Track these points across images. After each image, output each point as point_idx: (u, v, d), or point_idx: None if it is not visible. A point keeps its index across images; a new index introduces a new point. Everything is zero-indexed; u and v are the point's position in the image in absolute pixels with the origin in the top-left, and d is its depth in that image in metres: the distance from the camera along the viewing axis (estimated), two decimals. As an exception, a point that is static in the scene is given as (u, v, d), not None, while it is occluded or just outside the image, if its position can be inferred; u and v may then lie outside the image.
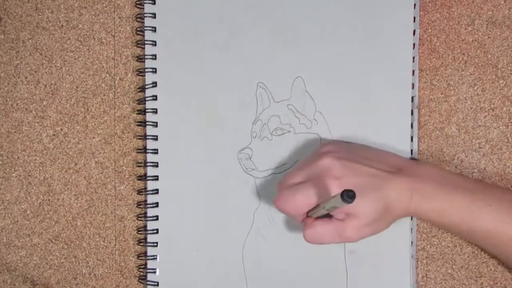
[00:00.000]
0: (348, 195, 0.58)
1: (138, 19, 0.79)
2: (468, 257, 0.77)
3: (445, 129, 0.77)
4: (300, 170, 0.71)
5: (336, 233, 0.68)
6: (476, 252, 0.77)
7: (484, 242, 0.72)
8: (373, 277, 0.77)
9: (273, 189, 0.76)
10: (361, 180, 0.68)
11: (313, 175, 0.69)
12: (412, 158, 0.77)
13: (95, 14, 0.80)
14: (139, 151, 0.79)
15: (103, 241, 0.80)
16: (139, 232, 0.79)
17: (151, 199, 0.78)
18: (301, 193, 0.68)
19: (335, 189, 0.66)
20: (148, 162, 0.78)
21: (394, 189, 0.69)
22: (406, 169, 0.72)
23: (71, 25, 0.80)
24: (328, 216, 0.69)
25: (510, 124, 0.77)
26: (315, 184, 0.67)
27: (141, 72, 0.78)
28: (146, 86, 0.78)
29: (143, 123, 0.78)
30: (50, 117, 0.79)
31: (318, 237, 0.69)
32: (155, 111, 0.78)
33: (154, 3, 0.78)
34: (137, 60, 0.79)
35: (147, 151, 0.78)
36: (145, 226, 0.78)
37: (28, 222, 0.80)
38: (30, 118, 0.79)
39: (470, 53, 0.77)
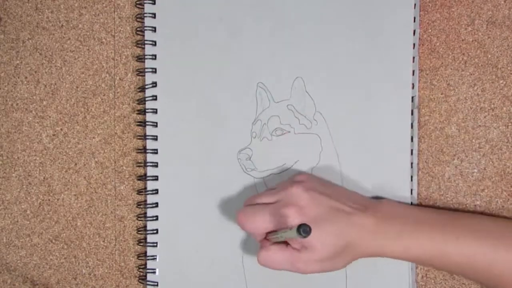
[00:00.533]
0: (304, 230, 0.58)
1: (138, 19, 0.79)
2: (468, 257, 0.77)
3: (445, 129, 0.77)
4: (269, 192, 0.71)
5: (289, 262, 0.68)
6: (476, 252, 0.77)
7: (458, 273, 0.73)
8: (373, 277, 0.77)
9: (272, 189, 0.76)
10: (323, 213, 0.68)
11: (279, 200, 0.69)
12: (376, 197, 0.77)
13: (95, 14, 0.80)
14: (139, 151, 0.79)
15: (103, 241, 0.80)
16: (139, 232, 0.79)
17: (150, 199, 0.78)
18: (262, 215, 0.68)
19: (294, 217, 0.66)
20: (148, 162, 0.78)
21: (357, 227, 0.68)
22: (371, 206, 0.72)
23: (71, 25, 0.80)
24: (286, 242, 0.69)
25: (510, 124, 0.77)
26: (277, 209, 0.68)
27: (141, 72, 0.78)
28: (146, 86, 0.78)
29: (143, 123, 0.78)
30: (50, 117, 0.79)
31: (270, 261, 0.69)
32: (155, 111, 0.78)
33: (154, 3, 0.78)
34: (137, 60, 0.79)
35: (147, 151, 0.78)
36: (145, 226, 0.78)
37: (28, 222, 0.80)
38: (30, 118, 0.79)
39: (470, 53, 0.77)
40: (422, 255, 0.69)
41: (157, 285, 0.78)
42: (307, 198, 0.68)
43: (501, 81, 0.77)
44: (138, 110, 0.79)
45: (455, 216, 0.75)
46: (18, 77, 0.79)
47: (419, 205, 0.77)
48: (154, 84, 0.78)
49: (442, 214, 0.75)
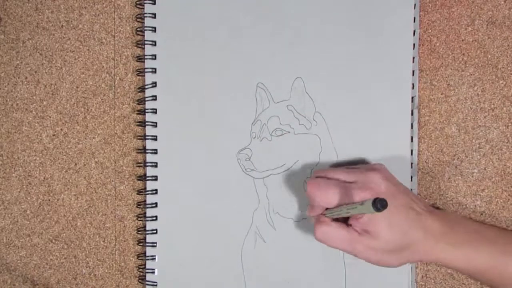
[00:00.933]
0: (381, 203, 0.57)
1: (138, 19, 0.79)
2: (468, 257, 0.77)
3: (445, 129, 0.77)
4: (345, 171, 0.70)
5: (347, 241, 0.68)
6: (476, 252, 0.77)
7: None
8: (373, 277, 0.77)
9: (273, 189, 0.77)
10: (396, 205, 0.67)
11: (355, 181, 0.69)
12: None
13: (95, 14, 0.80)
14: (139, 151, 0.79)
15: (103, 241, 0.80)
16: (139, 232, 0.79)
17: (150, 199, 0.78)
18: (335, 190, 0.68)
19: (368, 197, 0.65)
20: (147, 162, 0.78)
21: (423, 229, 0.68)
22: (436, 211, 0.72)
23: (71, 25, 0.80)
24: (342, 221, 0.69)
25: (510, 124, 0.77)
26: (353, 189, 0.67)
27: (141, 72, 0.78)
28: (146, 86, 0.78)
29: (143, 123, 0.78)
30: (50, 117, 0.79)
31: (329, 237, 0.68)
32: (154, 111, 0.78)
33: (154, 3, 0.78)
34: (137, 60, 0.79)
35: (147, 151, 0.78)
36: (145, 226, 0.78)
37: (28, 222, 0.80)
38: (30, 118, 0.79)
39: (470, 53, 0.77)
40: (481, 266, 0.69)
41: (156, 285, 0.78)
42: (385, 187, 0.68)
43: (501, 81, 0.77)
44: (138, 110, 0.79)
45: (509, 233, 0.75)
46: (18, 77, 0.79)
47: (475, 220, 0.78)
48: (154, 84, 0.78)
49: (503, 230, 0.75)
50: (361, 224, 0.67)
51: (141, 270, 0.79)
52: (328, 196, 0.68)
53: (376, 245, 0.67)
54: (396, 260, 0.69)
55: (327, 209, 0.69)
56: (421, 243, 0.68)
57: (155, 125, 0.77)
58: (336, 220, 0.69)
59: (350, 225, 0.68)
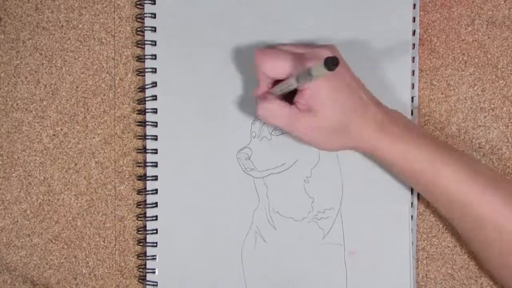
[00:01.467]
0: (332, 61, 0.54)
1: (138, 19, 0.79)
2: (468, 257, 0.77)
3: (445, 129, 0.77)
4: (296, 45, 0.69)
5: (287, 119, 0.67)
6: (476, 252, 0.77)
7: (439, 199, 0.71)
8: (373, 277, 0.77)
9: (273, 188, 0.77)
10: (342, 84, 0.66)
11: (306, 53, 0.67)
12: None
13: (95, 14, 0.80)
14: (139, 151, 0.79)
15: (103, 241, 0.80)
16: (139, 232, 0.79)
17: (150, 199, 0.78)
18: (284, 59, 0.67)
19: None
20: (147, 162, 0.78)
21: (366, 116, 0.67)
22: (383, 106, 0.71)
23: (71, 25, 0.80)
24: (289, 101, 0.68)
25: (510, 124, 0.77)
26: (305, 59, 0.65)
27: (141, 72, 0.78)
28: (146, 86, 0.78)
29: (143, 123, 0.78)
30: (50, 117, 0.79)
31: (270, 114, 0.68)
32: (155, 111, 0.78)
33: (154, 3, 0.78)
34: (137, 60, 0.79)
35: (147, 151, 0.78)
36: (145, 226, 0.78)
37: (28, 222, 0.80)
38: (30, 118, 0.79)
39: (470, 53, 0.77)
40: (417, 166, 0.68)
41: (156, 285, 0.78)
42: (340, 59, 0.67)
43: (501, 81, 0.77)
44: (138, 110, 0.79)
45: (451, 146, 0.75)
46: (18, 77, 0.79)
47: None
48: (154, 84, 0.78)
49: (444, 142, 0.75)
50: (305, 99, 0.66)
51: (141, 270, 0.79)
52: (277, 65, 0.67)
53: (315, 123, 0.66)
54: (334, 143, 0.69)
55: (275, 86, 0.69)
56: (360, 129, 0.67)
57: (155, 125, 0.77)
58: (283, 99, 0.69)
59: (294, 103, 0.67)
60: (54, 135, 0.79)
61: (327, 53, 0.67)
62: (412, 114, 0.77)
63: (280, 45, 0.71)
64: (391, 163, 0.70)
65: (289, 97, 0.69)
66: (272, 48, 0.70)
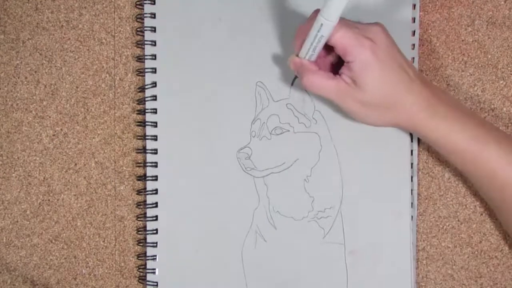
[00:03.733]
0: None
1: (138, 19, 0.79)
2: (468, 257, 0.77)
3: (445, 129, 0.77)
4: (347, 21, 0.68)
5: (335, 90, 0.67)
6: (476, 252, 0.77)
7: (481, 179, 0.70)
8: (373, 277, 0.77)
9: (273, 188, 0.77)
10: (392, 62, 0.66)
11: (357, 27, 0.66)
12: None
13: (95, 14, 0.80)
14: (139, 151, 0.79)
15: (103, 241, 0.80)
16: (139, 233, 0.79)
17: (150, 199, 0.78)
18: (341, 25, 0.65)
19: (366, 50, 0.64)
20: (147, 162, 0.78)
21: (414, 93, 0.67)
22: (429, 82, 0.70)
23: (71, 25, 0.80)
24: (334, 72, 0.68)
25: (510, 124, 0.77)
26: (356, 33, 0.65)
27: (141, 72, 0.78)
28: (146, 86, 0.78)
29: (142, 123, 0.78)
30: (50, 117, 0.79)
31: (317, 85, 0.67)
32: (154, 111, 0.78)
33: (154, 3, 0.78)
34: (137, 60, 0.79)
35: (147, 151, 0.78)
36: (145, 227, 0.78)
37: (28, 222, 0.80)
38: (30, 118, 0.79)
39: (470, 54, 0.77)
40: (461, 145, 0.68)
41: (156, 285, 0.78)
42: (385, 41, 0.66)
43: (501, 82, 0.77)
44: (138, 110, 0.79)
45: (496, 126, 0.74)
46: (18, 77, 0.79)
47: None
48: (154, 84, 0.78)
49: (488, 122, 0.75)
50: (352, 72, 0.65)
51: (141, 270, 0.79)
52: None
53: (362, 97, 0.66)
54: (379, 118, 0.69)
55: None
56: (406, 106, 0.67)
57: (155, 125, 0.77)
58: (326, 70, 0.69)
59: (339, 75, 0.67)
60: (54, 135, 0.79)
61: (378, 31, 0.66)
62: (412, 114, 0.77)
63: None
64: (435, 140, 0.70)
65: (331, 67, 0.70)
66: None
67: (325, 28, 0.63)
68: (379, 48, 0.65)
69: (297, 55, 0.69)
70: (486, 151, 0.67)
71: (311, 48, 0.66)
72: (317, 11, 0.64)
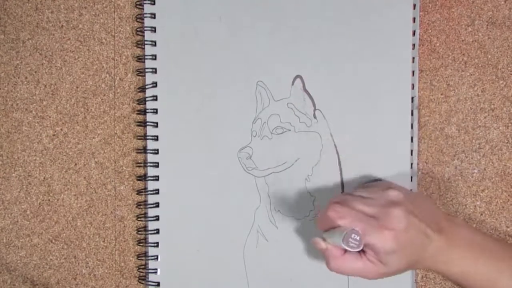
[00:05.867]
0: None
1: (138, 20, 0.79)
2: (468, 257, 0.77)
3: (445, 129, 0.77)
4: (365, 202, 0.70)
5: (362, 272, 0.68)
6: (476, 252, 0.77)
7: None
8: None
9: (274, 187, 0.77)
10: (413, 238, 0.67)
11: (376, 216, 0.68)
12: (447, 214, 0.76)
13: (95, 14, 0.80)
14: (139, 151, 0.79)
15: (103, 241, 0.80)
16: (139, 233, 0.79)
17: (151, 199, 0.78)
18: (358, 221, 0.67)
19: (389, 241, 0.66)
20: (148, 163, 0.78)
21: (431, 249, 0.68)
22: (446, 228, 0.71)
23: (71, 25, 0.80)
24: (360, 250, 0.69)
25: (510, 124, 0.77)
26: (374, 226, 0.67)
27: (141, 72, 0.78)
28: (146, 86, 0.78)
29: (143, 124, 0.78)
30: (50, 117, 0.79)
31: (344, 268, 0.69)
32: (155, 111, 0.78)
33: (154, 4, 0.78)
34: (137, 60, 0.79)
35: (148, 151, 0.78)
36: (145, 227, 0.78)
37: (28, 222, 0.80)
38: (30, 118, 0.79)
39: (470, 54, 0.77)
40: (477, 282, 0.69)
41: (158, 285, 0.78)
42: (406, 224, 0.67)
43: (501, 82, 0.77)
44: (138, 110, 0.79)
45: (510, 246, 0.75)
46: (18, 77, 0.79)
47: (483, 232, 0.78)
48: (154, 84, 0.78)
49: (500, 242, 0.74)
50: (378, 256, 0.67)
51: (142, 270, 0.78)
52: (346, 223, 0.68)
53: (388, 270, 0.68)
54: (403, 271, 0.70)
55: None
56: (424, 261, 0.69)
57: (156, 125, 0.77)
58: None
59: (364, 252, 0.68)
60: (54, 135, 0.79)
61: (399, 216, 0.67)
62: (412, 114, 0.76)
63: (348, 197, 0.71)
64: (450, 279, 0.71)
65: None
66: (344, 206, 0.70)
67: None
68: (400, 233, 0.66)
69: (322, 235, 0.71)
70: (500, 282, 0.69)
71: (337, 242, 0.68)
72: (339, 209, 0.68)
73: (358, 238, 0.63)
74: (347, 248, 0.63)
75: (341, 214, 0.68)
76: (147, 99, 0.78)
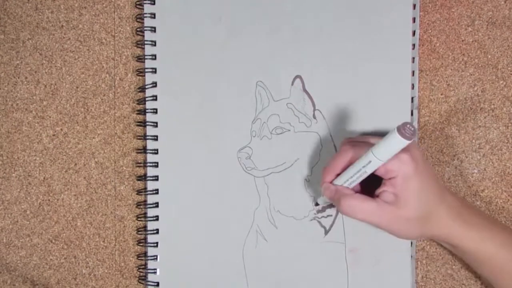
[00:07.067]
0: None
1: (138, 20, 0.79)
2: (468, 257, 0.77)
3: (445, 129, 0.77)
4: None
5: (375, 214, 0.67)
6: (476, 252, 0.77)
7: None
8: (374, 277, 0.77)
9: (274, 187, 0.77)
10: (428, 174, 0.67)
11: None
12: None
13: (95, 14, 0.80)
14: (139, 151, 0.79)
15: (103, 241, 0.80)
16: (139, 233, 0.79)
17: (151, 199, 0.78)
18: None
19: (408, 162, 0.64)
20: (148, 162, 0.78)
21: (445, 203, 0.68)
22: (454, 192, 0.72)
23: (71, 25, 0.80)
24: (365, 192, 0.69)
25: (510, 124, 0.77)
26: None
27: (141, 72, 0.78)
28: (146, 86, 0.78)
29: (143, 123, 0.78)
30: (50, 117, 0.79)
31: (357, 210, 0.67)
32: (155, 111, 0.78)
33: (154, 3, 0.78)
34: (137, 60, 0.79)
35: (147, 151, 0.78)
36: (145, 227, 0.78)
37: (28, 222, 0.80)
38: (30, 118, 0.79)
39: (470, 54, 0.77)
40: (489, 251, 0.69)
41: (158, 285, 0.78)
42: (419, 153, 0.67)
43: (501, 82, 0.77)
44: (138, 110, 0.79)
45: None
46: (18, 77, 0.79)
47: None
48: (154, 84, 0.78)
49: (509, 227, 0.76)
50: (395, 188, 0.66)
51: (141, 270, 0.79)
52: (360, 151, 0.67)
53: (404, 213, 0.66)
54: (414, 232, 0.69)
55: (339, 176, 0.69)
56: (441, 217, 0.68)
57: (155, 125, 0.77)
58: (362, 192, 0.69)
59: (377, 196, 0.67)
60: (54, 135, 0.79)
61: (413, 147, 0.67)
62: (412, 114, 0.77)
63: (365, 137, 0.71)
64: (466, 249, 0.70)
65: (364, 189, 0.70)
66: (359, 139, 0.70)
67: (372, 165, 0.64)
68: (417, 160, 0.66)
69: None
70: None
71: (350, 180, 0.68)
72: (347, 142, 0.68)
73: (413, 128, 0.59)
74: (401, 137, 0.58)
75: (355, 142, 0.68)
76: (147, 99, 0.78)
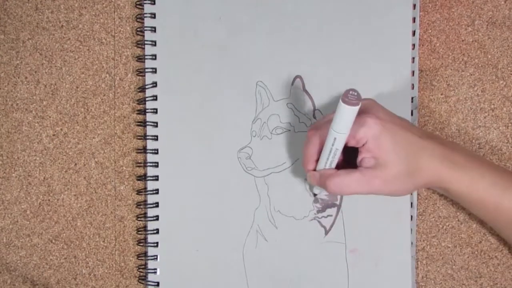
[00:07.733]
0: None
1: (138, 19, 0.79)
2: (468, 257, 0.77)
3: (445, 129, 0.77)
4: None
5: (363, 182, 0.66)
6: (476, 252, 0.77)
7: (503, 224, 0.71)
8: (374, 276, 0.77)
9: (274, 187, 0.77)
10: (399, 130, 0.66)
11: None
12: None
13: (95, 14, 0.80)
14: (139, 151, 0.79)
15: (103, 241, 0.80)
16: (139, 233, 0.79)
17: (151, 199, 0.78)
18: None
19: (373, 124, 0.65)
20: (148, 162, 0.78)
21: (427, 151, 0.67)
22: (435, 136, 0.71)
23: (71, 25, 0.80)
24: (351, 166, 0.68)
25: (510, 124, 0.77)
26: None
27: (141, 72, 0.78)
28: (146, 86, 0.78)
29: (143, 123, 0.78)
30: (50, 117, 0.79)
31: (345, 186, 0.67)
32: (155, 111, 0.78)
33: (154, 3, 0.78)
34: (137, 60, 0.79)
35: (147, 151, 0.78)
36: (145, 226, 0.78)
37: (28, 222, 0.80)
38: (30, 118, 0.79)
39: (470, 54, 0.77)
40: (483, 192, 0.68)
41: (158, 285, 0.78)
42: (381, 110, 0.67)
43: (501, 82, 0.77)
44: (138, 110, 0.79)
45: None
46: (18, 77, 0.79)
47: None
48: (154, 84, 0.78)
49: (498, 165, 0.74)
50: (370, 151, 0.66)
51: (141, 270, 0.78)
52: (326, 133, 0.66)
53: (387, 173, 0.66)
54: (408, 187, 0.68)
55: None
56: (427, 165, 0.67)
57: (155, 125, 0.77)
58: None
59: (358, 167, 0.67)
60: (54, 135, 0.79)
61: (377, 107, 0.68)
62: (412, 114, 0.77)
63: (326, 116, 0.71)
64: (457, 192, 0.70)
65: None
66: (321, 120, 0.70)
67: (339, 141, 0.64)
68: (382, 118, 0.66)
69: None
70: (507, 198, 0.68)
71: (328, 161, 0.67)
72: (311, 128, 0.68)
73: (355, 93, 0.58)
74: (347, 105, 0.59)
75: (318, 125, 0.68)
76: (147, 99, 0.78)
